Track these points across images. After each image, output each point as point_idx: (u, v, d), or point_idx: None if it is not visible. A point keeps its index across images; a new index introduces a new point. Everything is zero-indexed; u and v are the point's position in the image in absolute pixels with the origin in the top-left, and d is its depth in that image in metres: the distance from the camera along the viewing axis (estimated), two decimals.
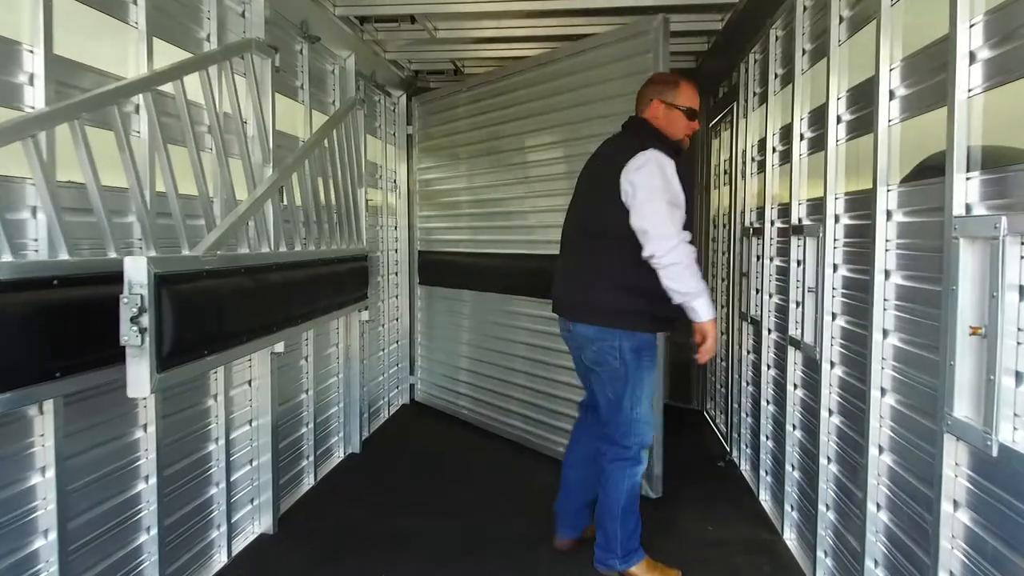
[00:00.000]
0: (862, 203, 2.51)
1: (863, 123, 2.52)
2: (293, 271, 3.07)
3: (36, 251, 2.10)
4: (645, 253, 2.70)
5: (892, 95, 2.28)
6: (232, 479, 3.23)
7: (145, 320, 1.86)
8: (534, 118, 4.49)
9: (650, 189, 2.68)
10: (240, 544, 3.32)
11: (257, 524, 3.47)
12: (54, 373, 1.95)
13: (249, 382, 3.40)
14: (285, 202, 3.26)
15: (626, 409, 2.85)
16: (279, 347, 3.25)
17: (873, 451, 2.37)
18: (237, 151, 3.05)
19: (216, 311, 2.28)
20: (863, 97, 2.51)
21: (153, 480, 2.64)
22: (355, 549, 3.32)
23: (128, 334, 1.84)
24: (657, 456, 3.80)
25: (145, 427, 2.62)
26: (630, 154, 2.74)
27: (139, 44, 2.52)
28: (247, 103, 3.14)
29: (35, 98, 2.05)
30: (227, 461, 3.15)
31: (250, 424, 3.41)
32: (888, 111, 2.30)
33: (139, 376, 1.87)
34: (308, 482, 4.08)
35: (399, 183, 5.71)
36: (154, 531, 2.65)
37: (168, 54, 2.70)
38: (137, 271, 1.85)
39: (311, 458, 4.10)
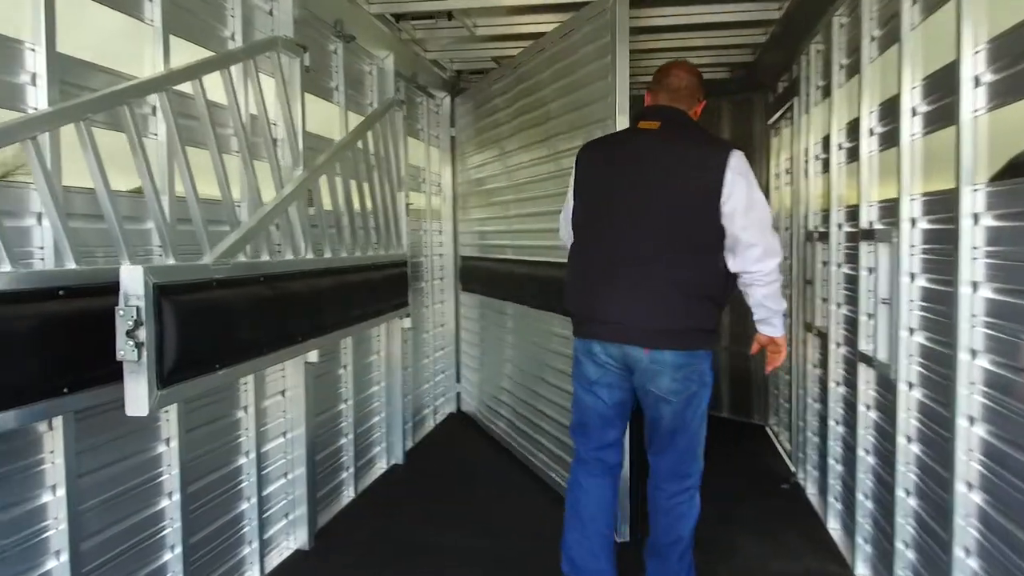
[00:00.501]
0: (943, 205, 2.22)
1: (943, 114, 2.23)
2: (321, 279, 2.94)
3: (43, 260, 2.00)
4: (750, 267, 2.45)
5: (977, 82, 2.00)
6: (264, 493, 3.12)
7: (142, 334, 1.74)
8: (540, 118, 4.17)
9: (757, 199, 2.43)
10: (274, 560, 3.21)
11: (292, 539, 3.35)
12: (61, 389, 1.84)
13: (282, 393, 3.29)
14: (314, 206, 3.13)
15: (699, 435, 2.59)
16: (312, 357, 3.13)
17: (960, 487, 2.08)
18: (266, 154, 2.94)
19: (228, 322, 2.15)
20: (942, 85, 2.22)
21: (177, 496, 2.54)
22: (392, 565, 3.18)
23: (124, 348, 1.72)
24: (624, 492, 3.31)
25: (168, 441, 2.52)
26: (723, 155, 2.42)
27: (155, 43, 2.42)
28: (275, 104, 3.03)
29: (38, 99, 1.95)
30: (259, 475, 3.04)
31: (284, 436, 3.30)
32: (973, 100, 2.01)
33: (137, 393, 1.75)
34: (348, 494, 3.96)
35: (443, 186, 5.57)
36: (179, 549, 2.55)
37: (190, 54, 2.60)
38: (133, 281, 1.73)
39: (351, 470, 3.98)
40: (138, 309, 1.73)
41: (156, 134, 2.45)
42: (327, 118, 3.82)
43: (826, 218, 3.51)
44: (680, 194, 2.44)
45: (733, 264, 2.46)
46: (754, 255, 2.43)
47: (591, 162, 2.65)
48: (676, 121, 2.57)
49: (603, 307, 2.50)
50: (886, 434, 2.76)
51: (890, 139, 2.64)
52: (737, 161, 2.42)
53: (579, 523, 2.65)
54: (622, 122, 3.21)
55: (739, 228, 2.40)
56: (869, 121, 2.87)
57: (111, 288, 1.88)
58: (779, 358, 2.66)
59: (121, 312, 1.73)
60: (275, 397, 3.23)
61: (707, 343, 2.51)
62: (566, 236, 2.77)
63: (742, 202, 2.39)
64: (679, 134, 2.55)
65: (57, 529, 2.04)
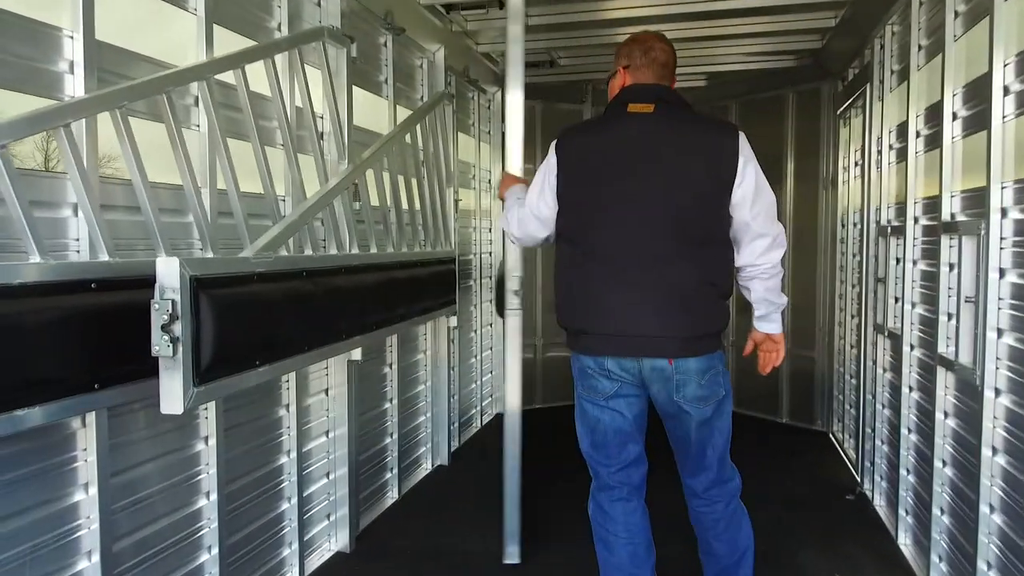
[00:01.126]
0: None
1: None
2: (366, 274, 2.85)
3: (78, 252, 1.95)
4: (756, 259, 2.27)
5: None
6: (305, 494, 3.06)
7: (177, 328, 1.66)
8: None
9: (764, 184, 2.22)
10: (314, 563, 3.15)
11: (334, 541, 3.29)
12: (92, 385, 1.79)
13: (325, 391, 3.22)
14: (360, 201, 3.04)
15: (729, 441, 2.41)
16: (356, 355, 3.06)
17: None
18: (311, 148, 2.87)
19: (270, 317, 2.07)
20: None
21: (214, 496, 2.48)
22: (433, 569, 3.09)
23: (159, 344, 1.65)
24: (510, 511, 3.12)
25: (206, 439, 2.46)
26: (733, 138, 2.20)
27: (199, 32, 2.36)
28: (322, 97, 2.96)
29: (75, 87, 1.91)
30: (299, 475, 2.98)
31: (326, 435, 3.23)
32: None
33: (172, 390, 1.68)
34: (392, 496, 3.89)
35: (494, 183, 5.46)
36: (215, 550, 2.49)
37: (235, 46, 2.54)
38: (169, 274, 1.66)
39: (395, 471, 3.90)
40: (173, 303, 1.66)
41: (198, 125, 2.40)
42: (375, 112, 3.75)
43: (901, 211, 3.27)
44: (691, 184, 2.19)
45: (739, 257, 2.28)
46: (762, 246, 2.25)
47: (576, 154, 2.33)
48: (671, 102, 2.29)
49: (614, 319, 2.22)
50: (967, 444, 2.54)
51: (978, 122, 2.42)
52: (745, 143, 2.21)
53: (618, 563, 2.37)
54: None
55: (750, 216, 2.20)
56: (952, 104, 2.64)
57: (147, 281, 1.82)
58: (778, 357, 2.45)
59: (156, 305, 1.66)
60: (318, 395, 3.17)
61: (720, 343, 2.33)
62: (524, 233, 2.48)
63: (752, 188, 2.19)
64: (678, 116, 2.28)
65: (89, 529, 1.99)
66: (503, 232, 5.29)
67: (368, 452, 3.62)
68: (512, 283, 3.09)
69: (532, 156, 5.24)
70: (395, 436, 3.88)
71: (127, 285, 1.85)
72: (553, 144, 2.37)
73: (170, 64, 2.26)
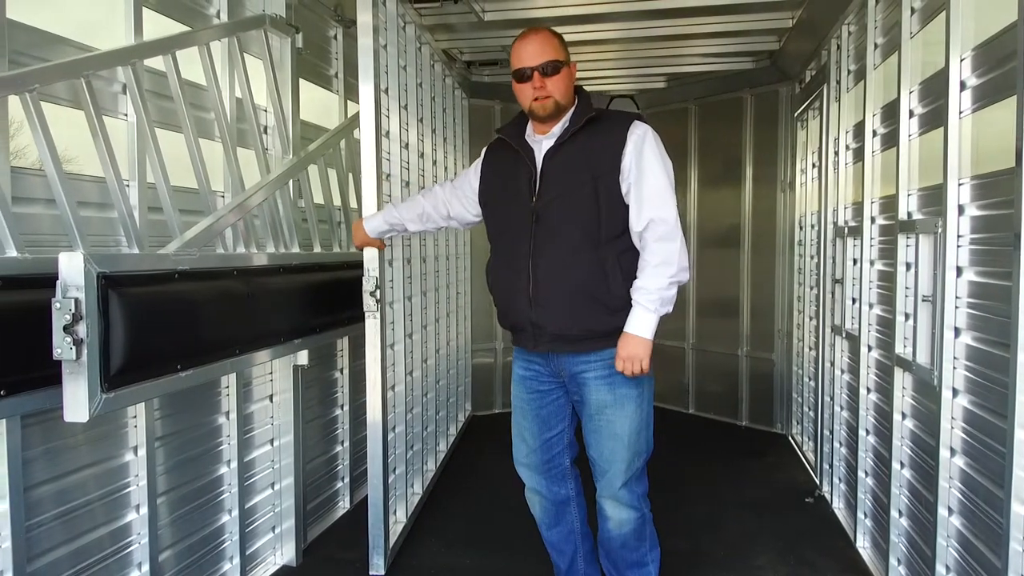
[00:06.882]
0: (998, 188, 1.97)
1: (998, 88, 1.97)
2: (308, 275, 2.72)
3: None
4: None
5: None
6: (248, 505, 2.91)
7: (82, 329, 1.52)
8: None
9: None
10: None
11: (279, 555, 3.13)
12: None
13: (270, 397, 3.07)
14: (303, 199, 2.91)
15: None
16: (302, 359, 2.92)
17: (1018, 508, 1.81)
18: (251, 141, 2.74)
19: (193, 319, 1.93)
20: (996, 58, 1.97)
21: (144, 510, 2.32)
22: None
23: (60, 346, 1.51)
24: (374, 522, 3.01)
25: (135, 449, 2.31)
26: None
27: (127, 16, 2.21)
28: (265, 89, 2.83)
29: None
30: (240, 485, 2.82)
31: (271, 444, 3.08)
32: None
33: (76, 396, 1.54)
34: (343, 506, 3.74)
35: None
36: (146, 567, 2.34)
37: (170, 31, 2.40)
38: (72, 270, 1.52)
39: (346, 480, 3.76)
40: (77, 301, 1.52)
41: (126, 114, 2.25)
42: (326, 107, 3.63)
43: (858, 211, 3.24)
44: None
45: None
46: None
47: None
48: None
49: None
50: (925, 446, 2.50)
51: (934, 119, 2.39)
52: None
53: None
54: None
55: None
56: (909, 102, 2.61)
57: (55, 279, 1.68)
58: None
59: (58, 305, 1.52)
60: (262, 402, 3.02)
61: None
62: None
63: None
64: None
65: (0, 547, 1.83)
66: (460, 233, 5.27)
67: (317, 461, 3.47)
68: (368, 284, 2.82)
69: None
70: (347, 444, 3.74)
71: (37, 283, 1.70)
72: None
73: (93, 48, 2.11)
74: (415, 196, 2.73)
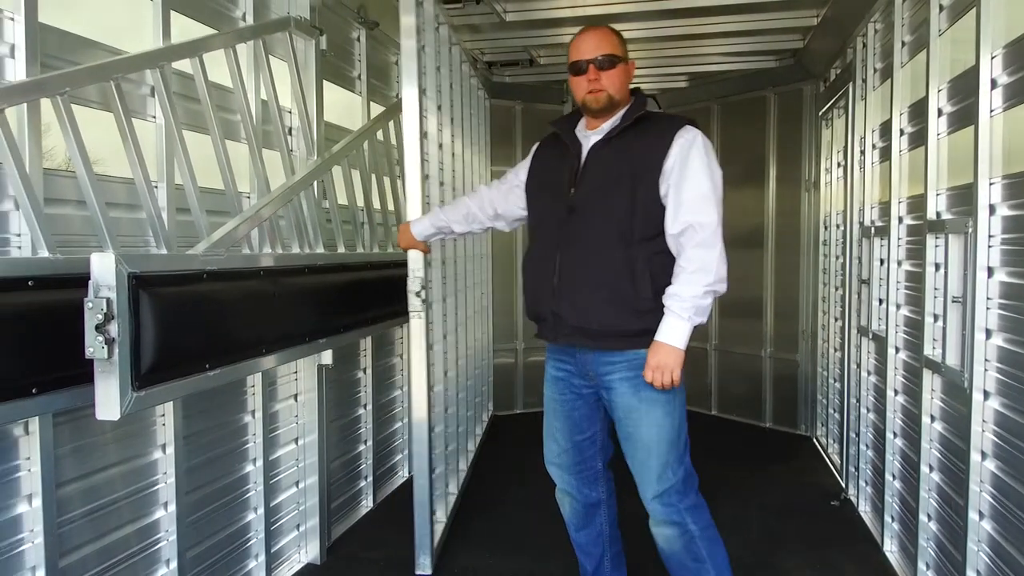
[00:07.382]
0: None
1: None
2: (333, 275, 2.74)
3: (19, 248, 1.83)
4: None
5: None
6: (273, 504, 2.93)
7: (114, 329, 1.55)
8: None
9: None
10: (283, 575, 3.02)
11: (304, 552, 3.16)
12: (30, 389, 1.67)
13: (295, 397, 3.10)
14: (328, 199, 2.93)
15: None
16: (327, 358, 2.94)
17: None
18: (276, 142, 2.76)
19: (221, 318, 1.95)
20: None
21: (173, 507, 2.36)
22: None
23: (93, 345, 1.53)
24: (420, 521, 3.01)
25: (164, 447, 2.34)
26: None
27: (155, 20, 2.24)
28: (289, 90, 2.85)
29: (16, 73, 1.79)
30: (266, 484, 2.85)
31: (296, 443, 3.11)
32: None
33: (108, 395, 1.56)
34: (366, 504, 3.76)
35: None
36: (174, 564, 2.37)
37: (197, 35, 2.43)
38: (104, 270, 1.54)
39: (369, 479, 3.78)
40: (109, 301, 1.54)
41: (154, 116, 2.28)
42: (349, 108, 3.65)
43: (885, 211, 3.20)
44: None
45: None
46: None
47: None
48: None
49: None
50: (955, 449, 2.46)
51: (964, 118, 2.35)
52: None
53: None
54: None
55: None
56: (937, 100, 2.58)
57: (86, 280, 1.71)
58: None
59: (90, 304, 1.54)
60: (286, 401, 3.05)
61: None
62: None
63: None
64: None
65: (33, 543, 1.86)
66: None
67: (341, 460, 3.49)
68: (413, 284, 2.84)
69: (511, 158, 5.16)
70: (370, 443, 3.76)
71: (69, 283, 1.73)
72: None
73: (123, 52, 2.14)
74: (460, 198, 2.76)
